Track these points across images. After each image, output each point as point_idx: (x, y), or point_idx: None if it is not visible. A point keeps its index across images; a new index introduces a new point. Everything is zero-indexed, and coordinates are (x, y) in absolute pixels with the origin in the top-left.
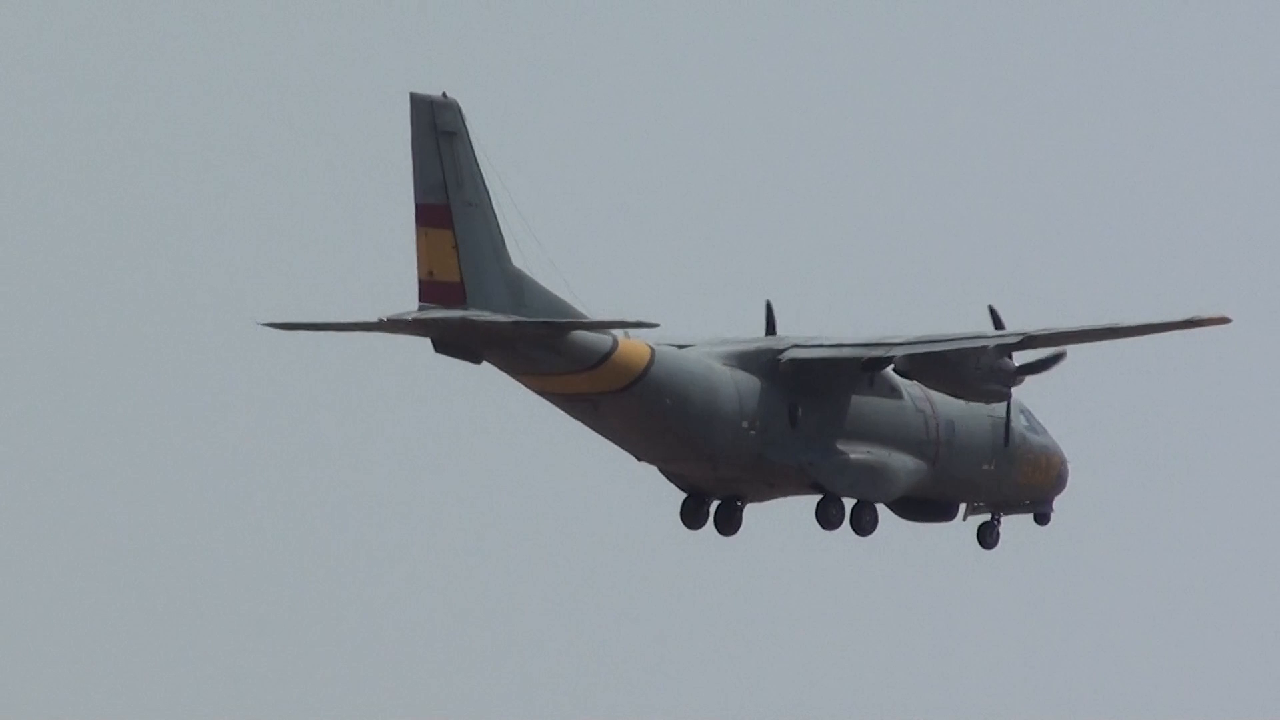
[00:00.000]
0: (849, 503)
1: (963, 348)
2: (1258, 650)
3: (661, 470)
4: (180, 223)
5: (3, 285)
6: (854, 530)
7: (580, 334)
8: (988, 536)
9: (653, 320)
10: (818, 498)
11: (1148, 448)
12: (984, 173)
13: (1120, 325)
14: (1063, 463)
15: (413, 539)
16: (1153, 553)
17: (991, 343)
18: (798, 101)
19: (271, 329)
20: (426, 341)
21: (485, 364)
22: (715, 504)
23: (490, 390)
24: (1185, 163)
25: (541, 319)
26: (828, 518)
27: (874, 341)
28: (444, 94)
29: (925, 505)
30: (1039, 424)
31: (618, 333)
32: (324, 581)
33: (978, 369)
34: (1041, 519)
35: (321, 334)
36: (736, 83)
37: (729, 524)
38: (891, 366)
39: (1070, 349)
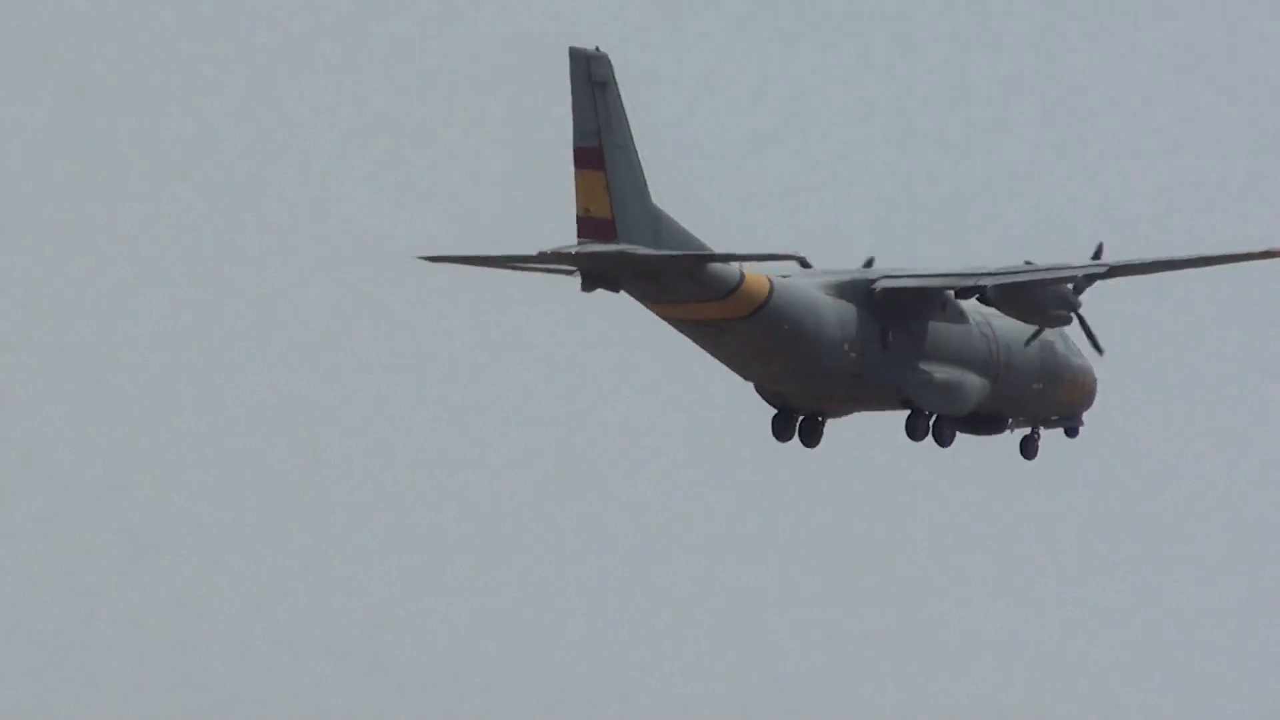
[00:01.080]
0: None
1: (1045, 278)
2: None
3: (759, 389)
4: (361, 170)
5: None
6: (936, 441)
7: (716, 266)
8: (1029, 448)
9: (795, 253)
10: (895, 413)
11: (1177, 372)
12: (1044, 113)
13: (1200, 256)
14: (1094, 381)
15: (535, 445)
16: (1171, 465)
17: (1080, 273)
18: (893, 49)
19: (430, 261)
20: (572, 276)
21: (622, 293)
22: (800, 419)
23: (616, 321)
24: (1244, 101)
25: (689, 252)
26: (915, 430)
27: (962, 272)
28: (597, 48)
29: (981, 419)
30: (1075, 347)
31: (747, 266)
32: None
33: (1051, 297)
34: (1071, 432)
35: (477, 270)
36: (838, 40)
37: (813, 436)
38: (978, 296)
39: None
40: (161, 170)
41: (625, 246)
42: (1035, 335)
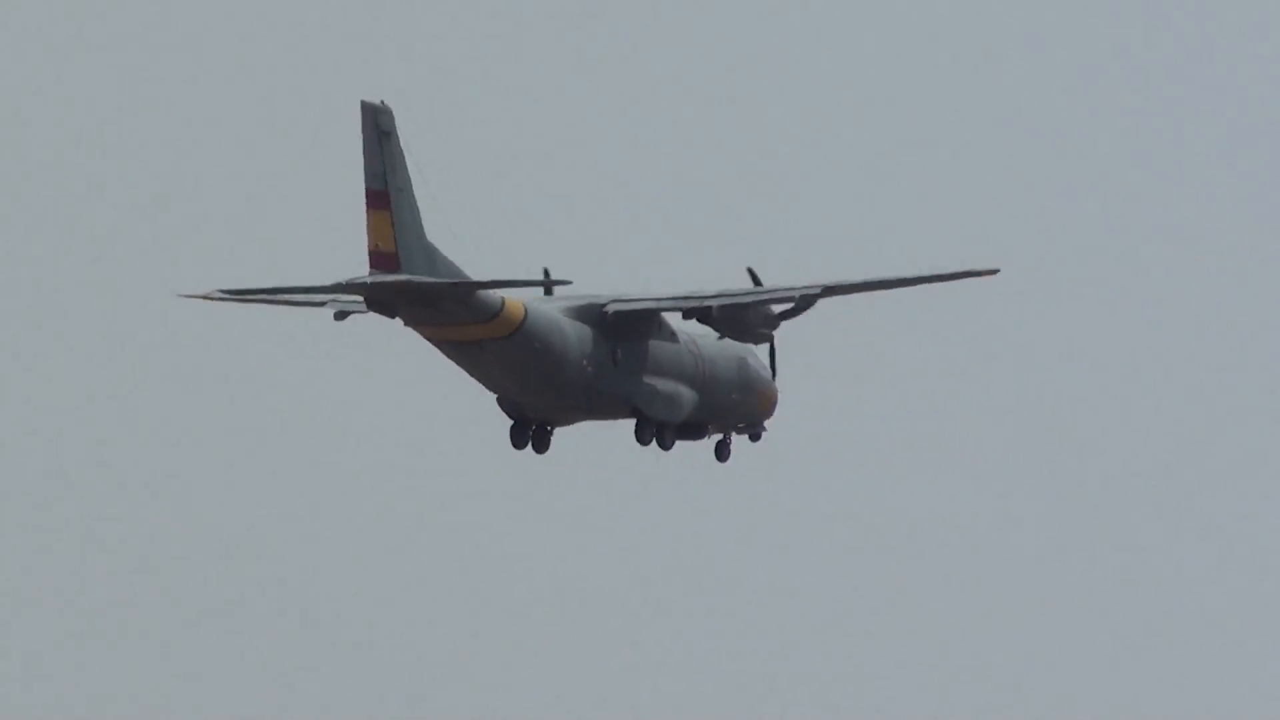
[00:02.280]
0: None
1: (762, 299)
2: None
3: (499, 402)
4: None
5: None
6: (660, 446)
7: (483, 292)
8: (722, 451)
9: (567, 279)
10: (619, 422)
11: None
12: (759, 133)
13: (905, 276)
14: (777, 394)
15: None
16: (840, 464)
17: (798, 294)
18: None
19: (226, 298)
20: (353, 304)
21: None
22: (533, 428)
23: (371, 343)
24: (962, 125)
25: (467, 280)
26: (643, 436)
27: (686, 295)
28: (382, 101)
29: (688, 426)
30: (762, 363)
31: (506, 292)
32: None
33: (759, 316)
34: (755, 437)
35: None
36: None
37: (543, 444)
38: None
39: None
40: None
41: (410, 276)
42: (773, 360)
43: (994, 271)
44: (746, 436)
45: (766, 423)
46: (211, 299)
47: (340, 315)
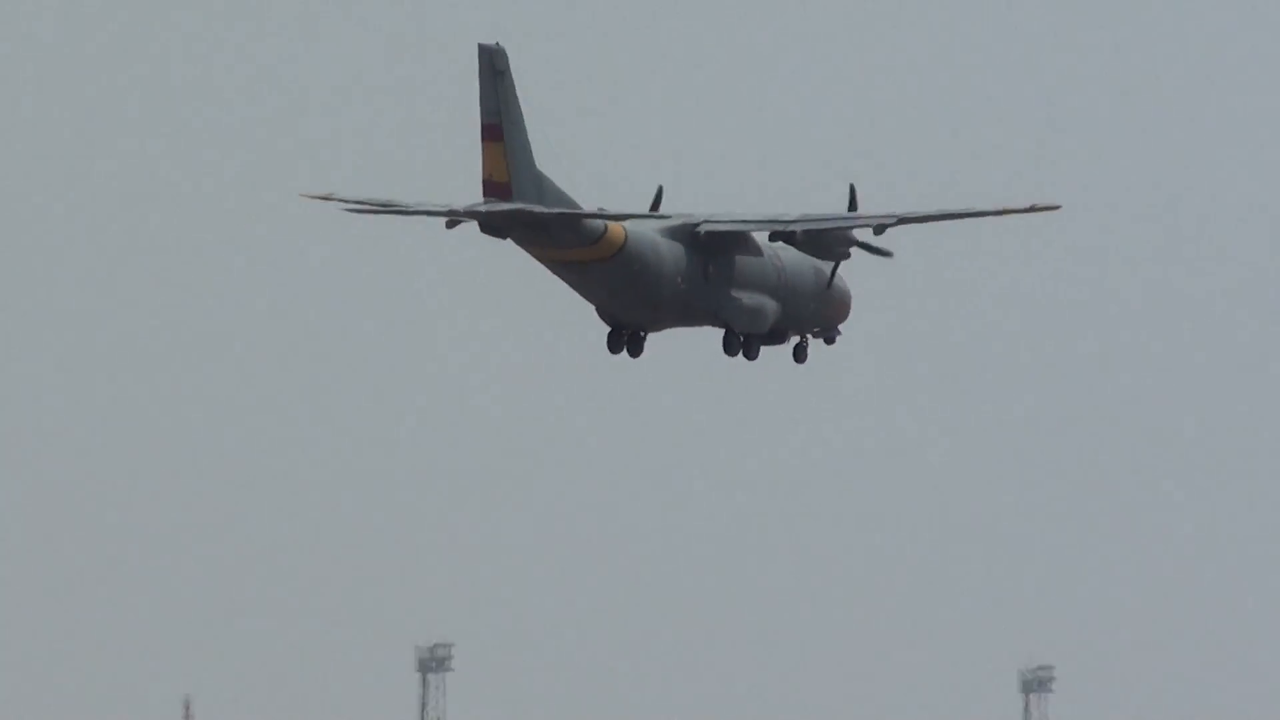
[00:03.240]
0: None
1: (841, 224)
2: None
3: (599, 312)
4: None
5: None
6: (745, 356)
7: (588, 219)
8: (800, 354)
9: (666, 213)
10: (710, 330)
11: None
12: (842, 73)
13: (974, 210)
14: (851, 300)
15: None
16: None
17: (874, 222)
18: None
19: (356, 212)
20: (469, 225)
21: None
22: (627, 334)
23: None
24: (1024, 68)
25: (574, 210)
26: (731, 347)
27: (772, 218)
28: (497, 43)
29: (771, 334)
30: (838, 273)
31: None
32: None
33: (841, 239)
34: (829, 340)
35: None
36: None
37: (637, 348)
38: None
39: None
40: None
41: (522, 205)
42: (834, 273)
43: (1056, 207)
44: (822, 340)
45: (841, 326)
46: (331, 200)
47: (452, 224)
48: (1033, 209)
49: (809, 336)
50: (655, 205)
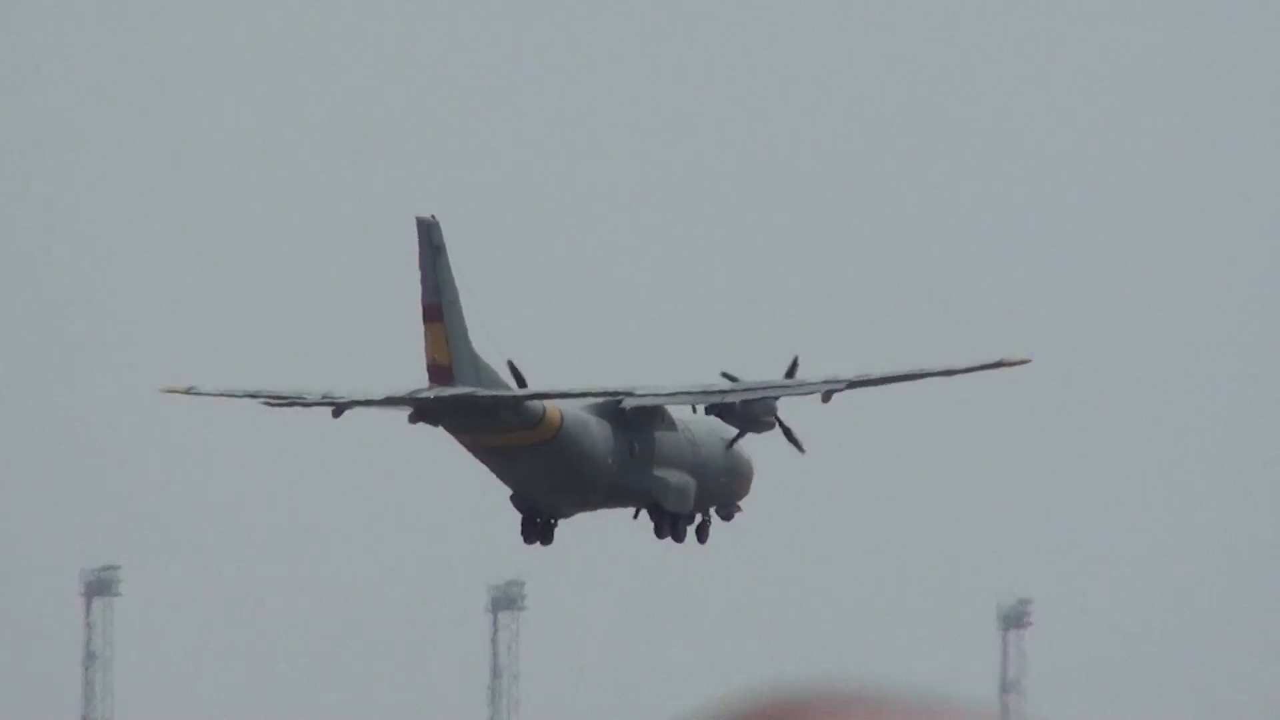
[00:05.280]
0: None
1: (784, 393)
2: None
3: (513, 498)
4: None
5: None
6: (674, 538)
7: (530, 401)
8: (703, 532)
9: (624, 390)
10: (616, 510)
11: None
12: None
13: (929, 370)
14: (753, 473)
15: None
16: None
17: (822, 388)
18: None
19: (274, 406)
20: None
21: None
22: (540, 522)
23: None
24: (975, 219)
25: (530, 391)
26: (662, 528)
27: (705, 389)
28: (432, 216)
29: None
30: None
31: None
32: None
33: (766, 408)
34: (728, 516)
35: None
36: None
37: (548, 536)
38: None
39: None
40: None
41: (473, 390)
42: (737, 439)
43: (1026, 361)
44: (720, 517)
45: (740, 502)
46: (191, 393)
47: (338, 414)
48: (1001, 364)
49: (711, 513)
50: (520, 382)
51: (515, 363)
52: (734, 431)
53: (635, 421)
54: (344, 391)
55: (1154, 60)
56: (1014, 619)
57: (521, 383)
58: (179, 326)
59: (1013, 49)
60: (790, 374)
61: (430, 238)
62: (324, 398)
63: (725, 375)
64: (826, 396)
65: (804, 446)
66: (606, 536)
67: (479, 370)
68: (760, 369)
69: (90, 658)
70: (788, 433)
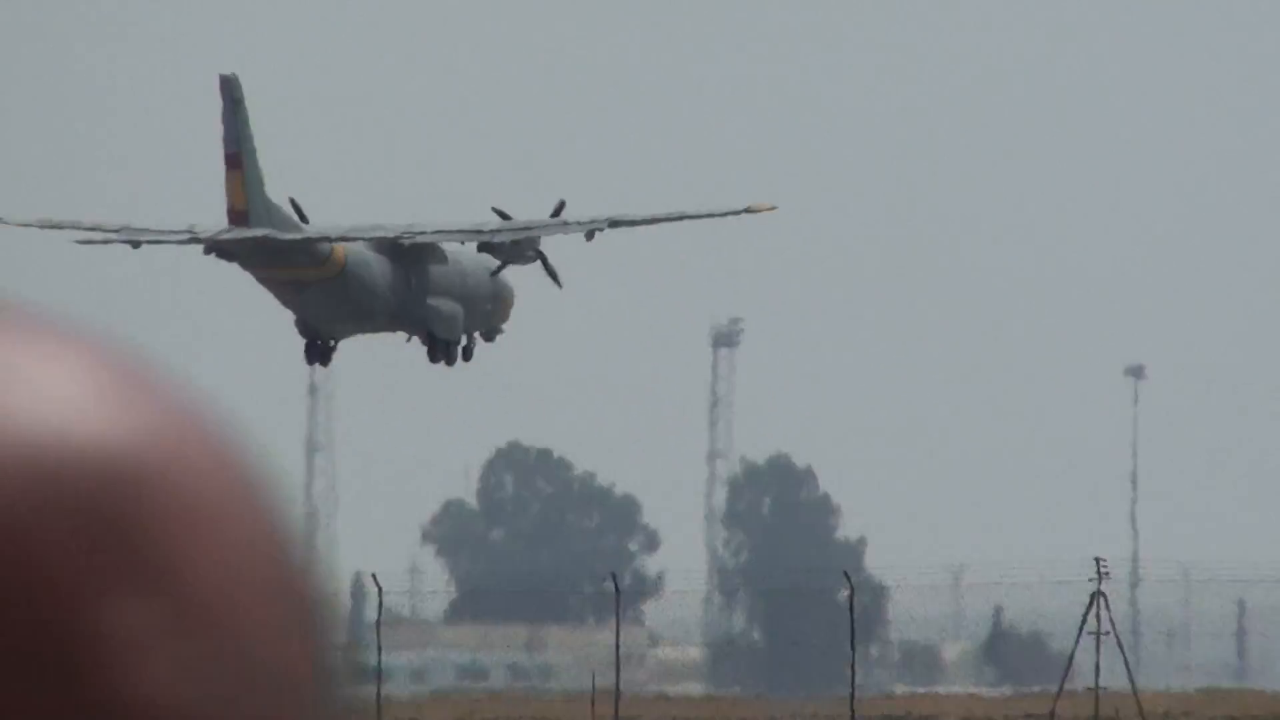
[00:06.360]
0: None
1: (547, 231)
2: None
3: (297, 324)
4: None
5: None
6: (445, 362)
7: (320, 242)
8: (469, 352)
9: (401, 229)
10: (391, 335)
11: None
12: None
13: (686, 213)
14: (513, 299)
15: None
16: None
17: (585, 228)
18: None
19: (86, 244)
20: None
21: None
22: (320, 345)
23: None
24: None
25: (319, 233)
26: (434, 354)
27: (474, 229)
28: (233, 74)
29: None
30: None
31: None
32: None
33: (531, 243)
34: (489, 337)
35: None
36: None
37: (327, 358)
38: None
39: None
40: None
41: (269, 231)
42: (500, 269)
43: (773, 208)
44: (482, 338)
45: (503, 325)
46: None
47: (137, 246)
48: (749, 210)
49: (476, 336)
50: (301, 217)
51: (296, 199)
52: (497, 263)
53: (411, 256)
54: (143, 225)
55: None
56: (725, 338)
57: (302, 218)
58: None
59: None
60: (556, 214)
61: (231, 93)
62: (122, 229)
63: (496, 211)
64: (590, 235)
65: (561, 281)
66: (380, 359)
67: (271, 212)
68: (528, 208)
69: None
70: (548, 268)
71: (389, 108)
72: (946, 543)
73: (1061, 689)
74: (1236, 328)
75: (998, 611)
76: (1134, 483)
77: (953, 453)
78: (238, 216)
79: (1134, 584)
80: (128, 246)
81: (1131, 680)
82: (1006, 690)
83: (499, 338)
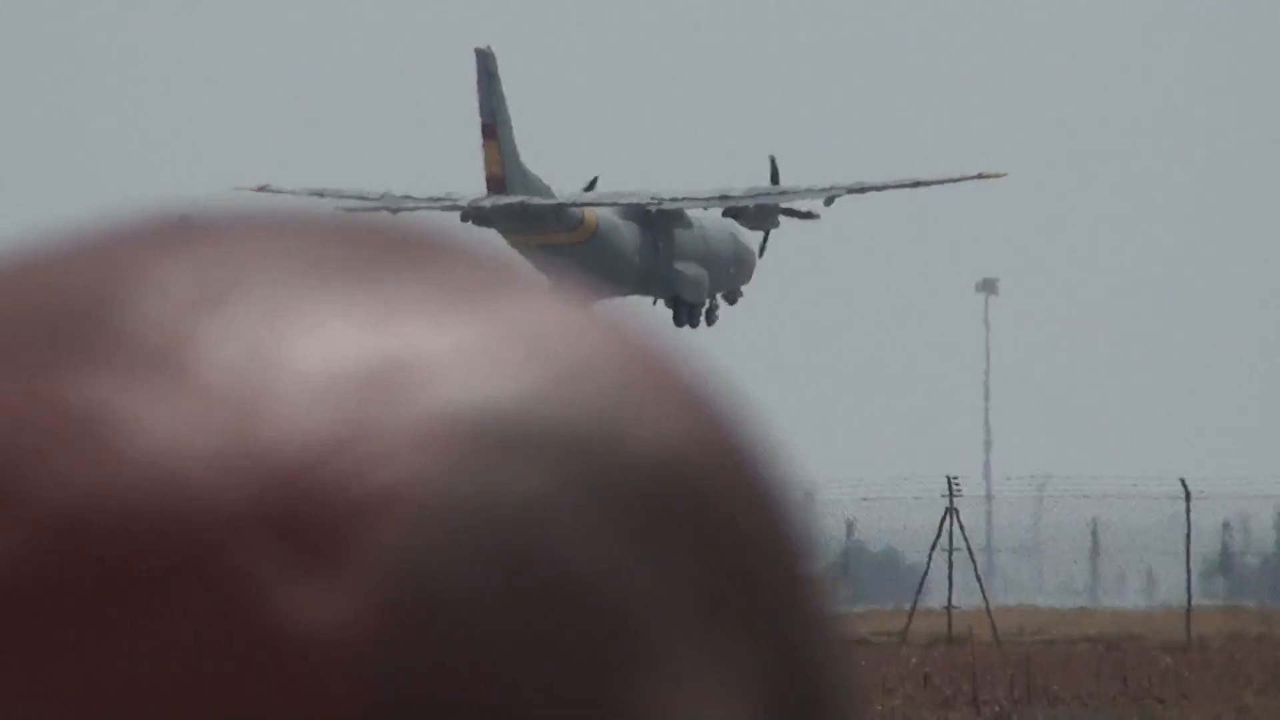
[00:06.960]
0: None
1: (790, 198)
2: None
3: None
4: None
5: None
6: (690, 325)
7: (571, 209)
8: (711, 316)
9: (650, 197)
10: (655, 299)
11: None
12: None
13: (921, 179)
14: (756, 262)
15: None
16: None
17: (824, 196)
18: None
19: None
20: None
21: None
22: None
23: None
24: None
25: (567, 201)
26: (680, 318)
27: (722, 194)
28: (488, 47)
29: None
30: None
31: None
32: None
33: (776, 211)
34: (731, 299)
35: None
36: None
37: None
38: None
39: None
40: None
41: (525, 198)
42: (764, 245)
43: (1002, 175)
44: (724, 301)
45: (743, 287)
46: (267, 190)
47: (395, 211)
48: (980, 176)
49: (719, 298)
50: (589, 189)
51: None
52: (740, 227)
53: (659, 221)
54: (403, 193)
55: None
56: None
57: (775, 179)
58: (251, 131)
59: None
60: (774, 177)
61: (487, 66)
62: (383, 196)
63: (771, 160)
64: (829, 200)
65: (817, 214)
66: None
67: (527, 179)
68: (755, 175)
69: None
70: (800, 214)
71: (641, 79)
72: (799, 460)
73: (915, 607)
74: (1087, 242)
75: (849, 527)
76: (987, 397)
77: (804, 368)
78: (495, 184)
79: (989, 499)
80: (387, 213)
81: (985, 598)
82: (859, 608)
83: (739, 300)
